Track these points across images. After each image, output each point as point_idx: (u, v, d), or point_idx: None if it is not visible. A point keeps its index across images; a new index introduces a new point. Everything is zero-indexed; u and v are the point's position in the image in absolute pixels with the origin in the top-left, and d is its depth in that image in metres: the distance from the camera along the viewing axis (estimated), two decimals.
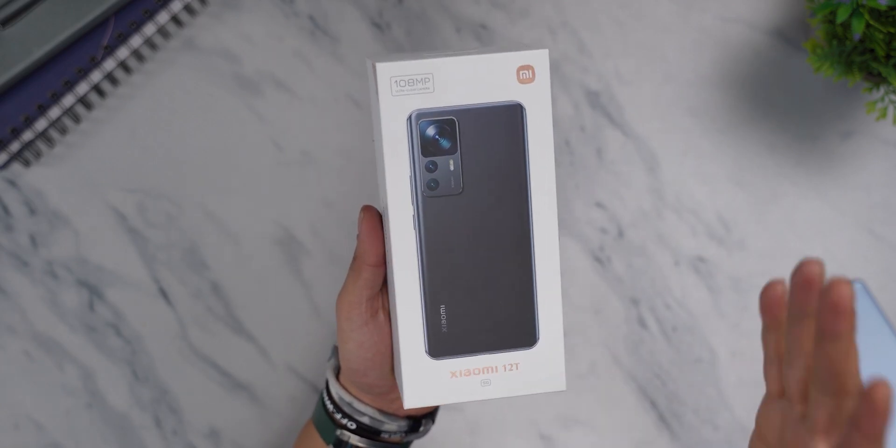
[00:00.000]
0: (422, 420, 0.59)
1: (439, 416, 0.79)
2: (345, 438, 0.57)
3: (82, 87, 0.77)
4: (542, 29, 0.82)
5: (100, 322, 0.78)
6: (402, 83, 0.46)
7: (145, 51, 0.79)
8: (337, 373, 0.58)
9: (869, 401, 0.38)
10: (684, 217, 0.82)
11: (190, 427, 0.78)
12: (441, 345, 0.50)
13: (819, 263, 0.44)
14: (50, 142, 0.78)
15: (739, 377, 0.81)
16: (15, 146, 0.77)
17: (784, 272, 0.82)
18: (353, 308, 0.53)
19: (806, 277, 0.43)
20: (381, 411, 0.57)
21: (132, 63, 0.79)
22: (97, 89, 0.78)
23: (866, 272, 0.82)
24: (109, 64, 0.78)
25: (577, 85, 0.82)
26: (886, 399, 0.37)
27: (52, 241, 0.78)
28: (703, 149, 0.82)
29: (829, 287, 0.40)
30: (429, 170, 0.47)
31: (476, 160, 0.48)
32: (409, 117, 0.46)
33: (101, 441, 0.78)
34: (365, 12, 0.81)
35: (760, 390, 0.81)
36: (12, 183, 0.79)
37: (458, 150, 0.47)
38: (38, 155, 0.78)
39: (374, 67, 0.46)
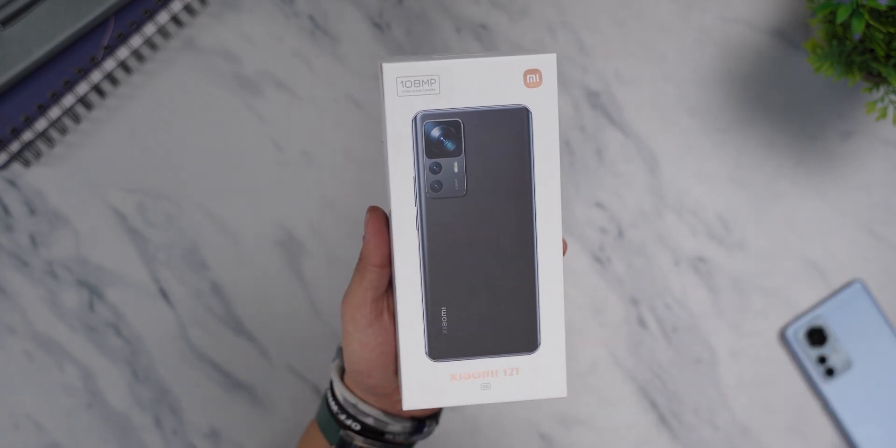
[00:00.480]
0: (426, 421, 0.59)
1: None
2: (349, 439, 0.57)
3: (82, 87, 0.77)
4: (542, 29, 0.82)
5: (100, 322, 0.78)
6: (409, 84, 0.46)
7: (145, 51, 0.79)
8: (341, 373, 0.58)
9: None
10: (684, 217, 0.82)
11: (190, 427, 0.78)
12: (441, 347, 0.50)
13: None
14: (50, 142, 0.78)
15: (739, 377, 0.81)
16: (15, 146, 0.77)
17: (784, 272, 0.82)
18: (357, 309, 0.53)
19: None
20: (386, 412, 0.57)
21: (132, 63, 0.79)
22: (97, 89, 0.78)
23: (866, 272, 0.82)
24: (109, 64, 0.78)
25: (577, 85, 0.82)
26: None
27: (52, 241, 0.78)
28: (703, 149, 0.82)
29: None
30: (433, 171, 0.47)
31: (481, 163, 0.47)
32: (415, 118, 0.46)
33: (101, 441, 0.78)
34: (365, 12, 0.81)
35: (761, 390, 0.81)
36: (12, 183, 0.79)
37: (463, 153, 0.47)
38: (38, 155, 0.78)
39: (381, 68, 0.46)
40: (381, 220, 0.51)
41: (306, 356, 0.79)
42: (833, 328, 0.80)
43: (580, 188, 0.81)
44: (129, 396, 0.78)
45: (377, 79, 0.49)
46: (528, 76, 0.47)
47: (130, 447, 0.78)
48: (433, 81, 0.46)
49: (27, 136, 0.77)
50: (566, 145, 0.82)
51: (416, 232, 0.48)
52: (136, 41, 0.78)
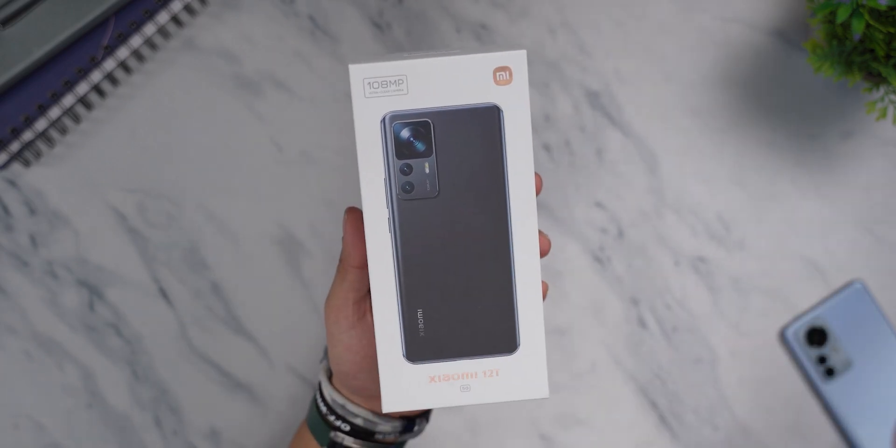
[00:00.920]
0: (416, 420, 0.59)
1: (439, 416, 0.79)
2: (339, 440, 0.57)
3: (82, 87, 0.77)
4: (542, 29, 0.82)
5: (100, 322, 0.78)
6: (376, 85, 0.45)
7: (145, 51, 0.79)
8: (329, 375, 0.58)
9: None
10: (684, 217, 0.82)
11: (190, 427, 0.78)
12: (419, 349, 0.49)
13: None
14: (50, 142, 0.78)
15: (739, 377, 0.81)
16: (15, 146, 0.77)
17: (784, 272, 0.82)
18: (339, 311, 0.52)
19: None
20: (375, 413, 0.57)
21: (132, 63, 0.79)
22: (97, 89, 0.78)
23: (866, 272, 0.82)
24: (109, 64, 0.78)
25: (577, 85, 0.82)
26: None
27: (52, 241, 0.78)
28: (703, 149, 0.82)
29: None
30: (403, 172, 0.46)
31: (452, 163, 0.47)
32: (383, 119, 0.45)
33: (101, 441, 0.78)
34: (365, 12, 0.81)
35: (761, 390, 0.81)
36: (12, 183, 0.79)
37: (434, 153, 0.46)
38: (38, 155, 0.78)
39: (349, 69, 0.46)
40: (358, 220, 0.50)
41: (306, 356, 0.79)
42: (833, 328, 0.80)
43: (580, 188, 0.81)
44: (129, 396, 0.78)
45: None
46: (497, 74, 0.46)
47: (130, 447, 0.78)
48: (401, 82, 0.45)
49: (27, 136, 0.77)
50: (566, 145, 0.82)
51: (388, 234, 0.47)
52: (136, 41, 0.78)
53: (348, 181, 0.80)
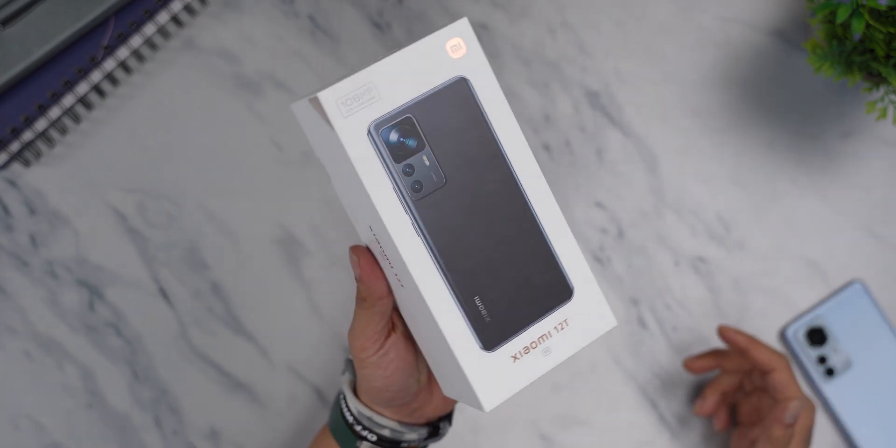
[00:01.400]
0: (440, 424, 0.60)
1: None
2: None
3: (82, 87, 0.77)
4: (542, 29, 0.82)
5: (100, 322, 0.78)
6: (349, 102, 0.45)
7: (145, 51, 0.79)
8: (353, 387, 0.59)
9: None
10: (684, 217, 0.82)
11: (190, 427, 0.78)
12: (491, 335, 0.49)
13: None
14: (50, 142, 0.78)
15: None
16: (15, 146, 0.77)
17: (784, 272, 0.82)
18: (367, 340, 0.53)
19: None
20: (402, 422, 0.58)
21: (132, 63, 0.79)
22: (97, 89, 0.78)
23: (866, 272, 0.82)
24: (109, 64, 0.78)
25: (577, 85, 0.82)
26: None
27: (52, 241, 0.78)
28: (703, 149, 0.82)
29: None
30: (407, 174, 0.47)
31: (446, 147, 0.47)
32: (368, 131, 0.46)
33: (101, 441, 0.78)
34: (365, 12, 0.81)
35: None
36: (12, 183, 0.79)
37: (427, 144, 0.47)
38: (38, 155, 0.78)
39: (315, 101, 0.46)
40: (368, 254, 0.51)
41: (306, 356, 0.79)
42: (833, 328, 0.80)
43: (580, 188, 0.81)
44: (129, 396, 0.78)
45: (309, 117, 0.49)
46: (451, 47, 0.47)
47: (130, 447, 0.78)
48: (370, 90, 0.46)
49: (27, 136, 0.77)
50: (566, 145, 0.82)
51: (418, 237, 0.47)
52: (136, 41, 0.78)
53: None
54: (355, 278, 0.52)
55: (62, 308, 0.78)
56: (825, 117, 0.82)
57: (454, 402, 0.59)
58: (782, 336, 0.81)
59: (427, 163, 0.47)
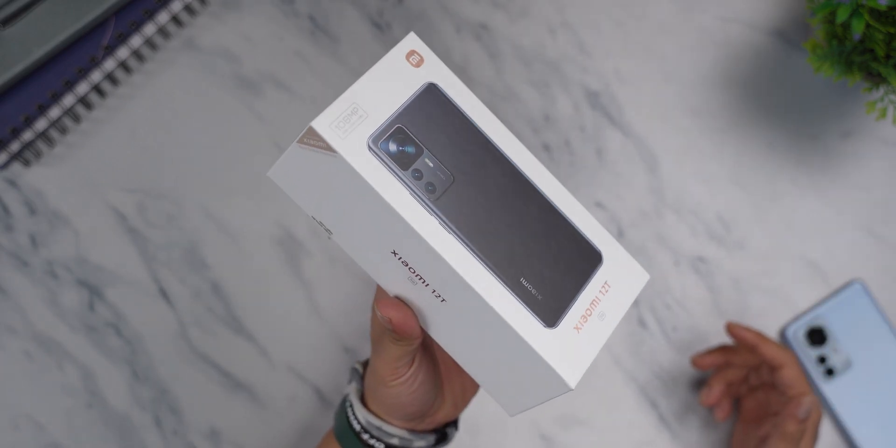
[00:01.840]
0: (447, 430, 0.60)
1: None
2: None
3: (82, 87, 0.77)
4: (542, 29, 0.82)
5: (100, 322, 0.78)
6: (341, 123, 0.48)
7: (145, 51, 0.79)
8: (360, 395, 0.59)
9: None
10: (684, 217, 0.82)
11: (190, 427, 0.78)
12: (548, 311, 0.50)
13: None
14: (50, 142, 0.78)
15: None
16: (15, 146, 0.77)
17: (784, 272, 0.82)
18: (402, 368, 0.54)
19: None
20: (411, 431, 0.58)
21: (132, 63, 0.79)
22: (97, 89, 0.78)
23: (866, 272, 0.82)
24: (109, 64, 0.78)
25: (577, 85, 0.82)
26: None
27: (52, 241, 0.78)
28: (703, 149, 0.82)
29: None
30: (417, 178, 0.49)
31: (442, 146, 0.50)
32: (369, 147, 0.48)
33: (101, 441, 0.78)
34: (365, 12, 0.81)
35: None
36: (12, 183, 0.79)
37: (424, 148, 0.49)
38: (38, 155, 0.78)
39: (309, 134, 0.48)
40: (393, 304, 0.51)
41: (306, 356, 0.79)
42: (833, 328, 0.80)
43: (580, 188, 0.81)
44: (129, 396, 0.78)
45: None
46: (411, 59, 0.50)
47: (130, 447, 0.78)
48: (356, 110, 0.49)
49: (27, 136, 0.77)
50: (566, 145, 0.82)
51: (450, 235, 0.49)
52: (136, 41, 0.78)
53: None
54: (388, 329, 0.52)
55: (62, 308, 0.78)
56: (825, 117, 0.82)
57: (464, 406, 0.60)
58: (782, 336, 0.81)
59: (431, 164, 0.49)
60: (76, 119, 0.78)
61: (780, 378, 0.72)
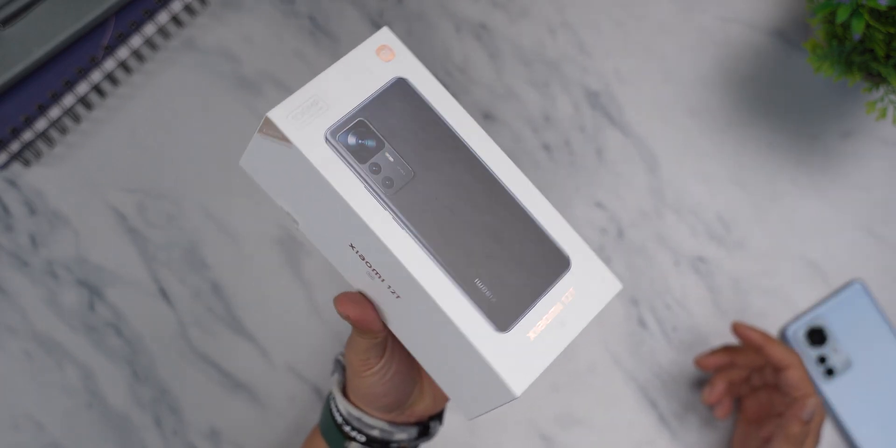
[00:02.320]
0: (430, 424, 0.59)
1: None
2: None
3: (82, 87, 0.77)
4: (542, 29, 0.82)
5: (100, 322, 0.78)
6: (299, 115, 0.47)
7: (145, 51, 0.79)
8: (342, 387, 0.59)
9: None
10: (684, 217, 0.82)
11: (190, 427, 0.78)
12: (501, 315, 0.49)
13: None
14: (50, 142, 0.78)
15: None
16: (15, 146, 0.77)
17: (784, 272, 0.82)
18: (372, 358, 0.54)
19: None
20: (391, 423, 0.58)
21: (132, 63, 0.79)
22: (97, 89, 0.78)
23: (866, 272, 0.82)
24: (109, 64, 0.78)
25: (577, 85, 0.82)
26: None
27: (52, 241, 0.78)
28: (703, 149, 0.82)
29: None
30: (374, 172, 0.48)
31: (406, 142, 0.49)
32: (326, 138, 0.47)
33: (101, 441, 0.78)
34: (365, 12, 0.81)
35: None
36: (12, 183, 0.79)
37: (386, 142, 0.48)
38: (38, 155, 0.78)
39: (266, 125, 0.47)
40: (352, 299, 0.51)
41: (306, 356, 0.79)
42: (833, 328, 0.80)
43: (580, 188, 0.81)
44: (129, 396, 0.78)
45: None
46: (381, 54, 0.49)
47: (130, 447, 0.78)
48: (317, 102, 0.48)
49: (27, 136, 0.77)
50: (566, 145, 0.82)
51: (403, 231, 0.48)
52: (136, 41, 0.78)
53: None
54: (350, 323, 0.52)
55: (62, 308, 0.78)
56: (825, 117, 0.82)
57: (445, 401, 0.59)
58: (782, 336, 0.81)
59: (391, 159, 0.48)
60: (76, 119, 0.78)
61: (786, 379, 0.72)
